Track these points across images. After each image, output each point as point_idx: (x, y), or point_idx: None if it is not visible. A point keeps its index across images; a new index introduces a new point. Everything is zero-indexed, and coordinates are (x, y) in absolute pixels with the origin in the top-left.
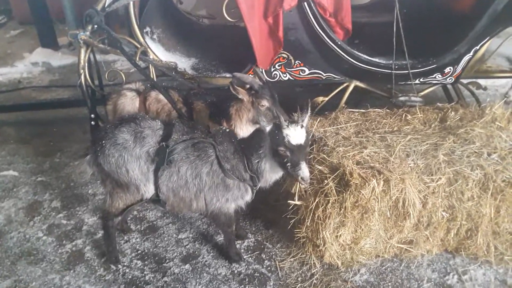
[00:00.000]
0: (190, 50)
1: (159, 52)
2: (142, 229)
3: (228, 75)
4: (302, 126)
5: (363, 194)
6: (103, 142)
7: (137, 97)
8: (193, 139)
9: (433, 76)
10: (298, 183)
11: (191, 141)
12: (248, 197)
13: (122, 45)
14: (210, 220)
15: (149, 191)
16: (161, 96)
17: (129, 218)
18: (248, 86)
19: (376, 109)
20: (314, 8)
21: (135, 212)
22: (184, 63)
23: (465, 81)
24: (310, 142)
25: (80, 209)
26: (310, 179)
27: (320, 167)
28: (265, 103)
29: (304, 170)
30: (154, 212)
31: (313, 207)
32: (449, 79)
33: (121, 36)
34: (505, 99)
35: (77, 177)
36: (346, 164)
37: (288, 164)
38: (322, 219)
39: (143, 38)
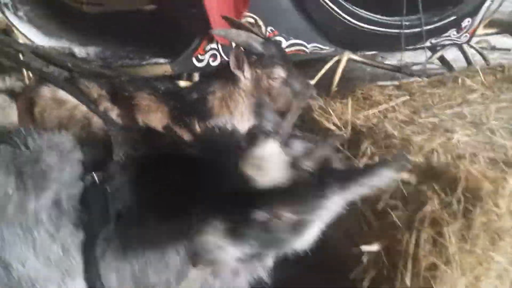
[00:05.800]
0: (82, 38)
1: (36, 37)
2: None
3: (162, 60)
4: None
5: (498, 206)
6: None
7: (11, 101)
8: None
9: (447, 34)
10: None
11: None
12: None
13: None
14: None
15: None
16: (62, 94)
17: None
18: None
19: (413, 79)
20: None
21: None
22: (79, 53)
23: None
24: None
25: None
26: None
27: (405, 175)
28: (280, 72)
29: None
30: None
31: (413, 250)
32: (464, 37)
33: None
34: None
35: None
36: (459, 163)
37: None
38: (437, 272)
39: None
